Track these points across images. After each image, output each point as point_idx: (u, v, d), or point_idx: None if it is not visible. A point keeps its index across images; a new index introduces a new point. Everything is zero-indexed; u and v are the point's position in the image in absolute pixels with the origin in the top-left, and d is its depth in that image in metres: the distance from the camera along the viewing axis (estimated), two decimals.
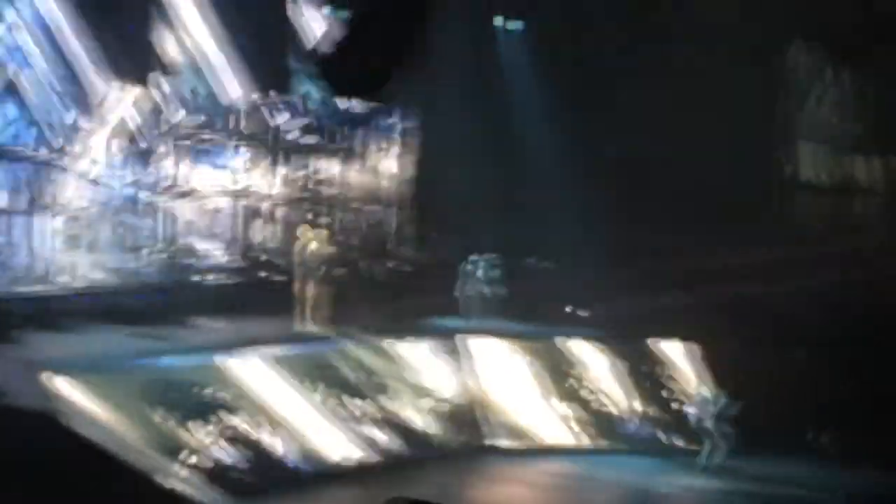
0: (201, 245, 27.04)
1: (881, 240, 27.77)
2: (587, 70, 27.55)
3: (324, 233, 24.94)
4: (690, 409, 22.64)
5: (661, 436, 23.13)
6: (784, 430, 22.01)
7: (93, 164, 26.43)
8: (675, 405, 23.33)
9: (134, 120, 27.85)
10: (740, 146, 27.48)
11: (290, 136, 28.15)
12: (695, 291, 25.64)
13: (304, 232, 24.67)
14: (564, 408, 22.97)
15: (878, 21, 26.84)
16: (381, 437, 21.37)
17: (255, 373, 20.89)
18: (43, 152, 25.56)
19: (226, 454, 19.49)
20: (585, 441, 22.82)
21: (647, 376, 23.76)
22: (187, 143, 27.02)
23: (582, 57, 27.72)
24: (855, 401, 22.17)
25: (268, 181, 27.95)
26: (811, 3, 27.10)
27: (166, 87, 27.24)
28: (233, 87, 27.93)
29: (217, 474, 18.90)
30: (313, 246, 23.96)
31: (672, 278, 26.12)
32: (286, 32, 27.51)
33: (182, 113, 26.90)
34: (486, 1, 28.05)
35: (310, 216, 27.82)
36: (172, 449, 18.86)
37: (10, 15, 27.85)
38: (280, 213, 28.03)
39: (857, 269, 26.11)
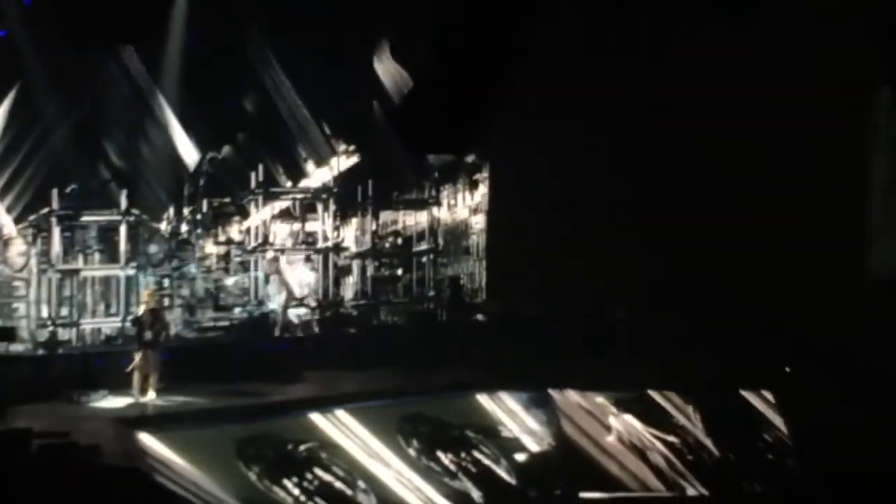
0: (290, 301, 26.20)
1: None
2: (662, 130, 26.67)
3: None
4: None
5: (746, 483, 21.83)
6: None
7: (186, 224, 26.06)
8: (765, 453, 22.23)
9: (222, 181, 27.49)
10: None
11: (375, 192, 27.39)
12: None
13: None
14: (654, 457, 21.93)
15: None
16: (474, 490, 20.34)
17: (346, 427, 19.98)
18: (136, 213, 24.96)
19: None
20: (675, 489, 21.59)
21: (736, 426, 22.55)
22: (275, 201, 26.37)
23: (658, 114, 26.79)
24: None
25: (354, 236, 27.38)
26: None
27: (252, 148, 26.99)
28: (319, 145, 27.56)
29: None
30: None
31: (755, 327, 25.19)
32: (371, 90, 27.10)
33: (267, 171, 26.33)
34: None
35: (388, 270, 27.32)
36: None
37: None
38: (366, 267, 27.31)
39: None
